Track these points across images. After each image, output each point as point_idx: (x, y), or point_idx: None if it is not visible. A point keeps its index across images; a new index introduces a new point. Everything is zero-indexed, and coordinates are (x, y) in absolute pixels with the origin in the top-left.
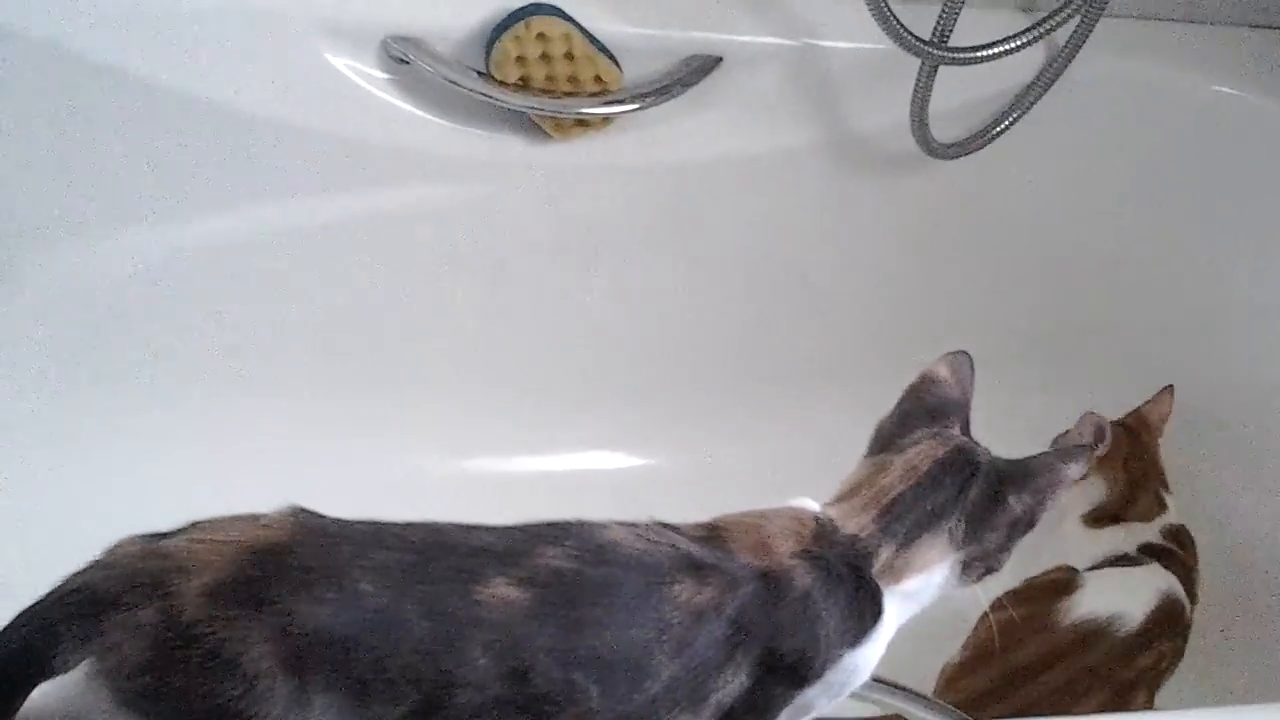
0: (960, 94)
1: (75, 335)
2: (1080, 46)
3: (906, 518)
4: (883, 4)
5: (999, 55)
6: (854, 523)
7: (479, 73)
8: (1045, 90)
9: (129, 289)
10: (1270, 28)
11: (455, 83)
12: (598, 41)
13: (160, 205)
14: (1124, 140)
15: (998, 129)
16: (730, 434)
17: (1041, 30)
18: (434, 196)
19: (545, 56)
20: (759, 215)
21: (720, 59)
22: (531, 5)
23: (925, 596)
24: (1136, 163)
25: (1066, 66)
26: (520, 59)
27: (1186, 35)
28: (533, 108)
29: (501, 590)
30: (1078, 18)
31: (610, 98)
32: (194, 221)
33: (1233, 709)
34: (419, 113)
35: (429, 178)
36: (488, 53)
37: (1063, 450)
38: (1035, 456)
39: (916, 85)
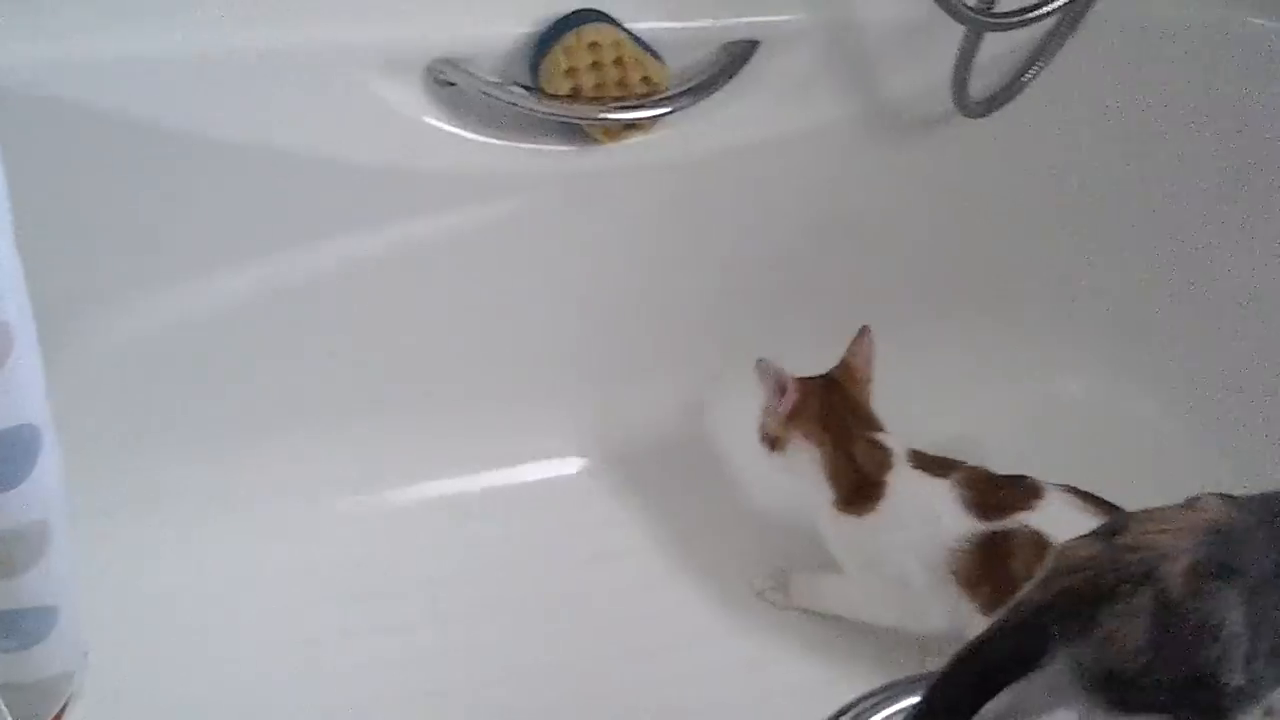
0: (983, 49)
1: (119, 396)
2: None
3: None
4: None
5: (1043, 17)
6: None
7: (526, 87)
8: (1068, 35)
9: (180, 341)
10: None
11: (505, 100)
12: (642, 41)
13: (210, 255)
14: (1157, 81)
15: (1024, 78)
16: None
17: None
18: (490, 214)
19: (595, 64)
20: (796, 194)
21: (758, 43)
22: (577, 14)
23: None
24: (1170, 102)
25: (1090, 7)
26: (571, 70)
27: None
28: (587, 119)
29: None
30: None
31: (662, 96)
32: (248, 268)
33: None
34: (468, 134)
35: (484, 197)
36: (534, 66)
37: None
38: None
39: (961, 52)
